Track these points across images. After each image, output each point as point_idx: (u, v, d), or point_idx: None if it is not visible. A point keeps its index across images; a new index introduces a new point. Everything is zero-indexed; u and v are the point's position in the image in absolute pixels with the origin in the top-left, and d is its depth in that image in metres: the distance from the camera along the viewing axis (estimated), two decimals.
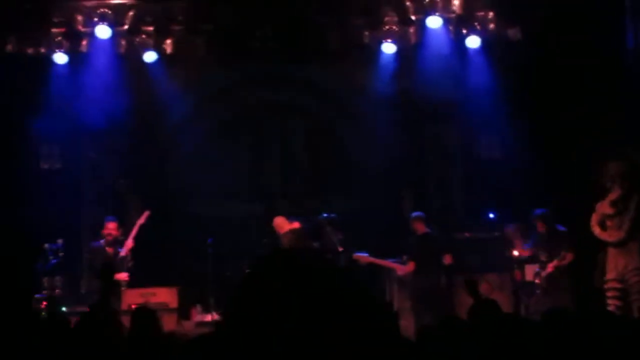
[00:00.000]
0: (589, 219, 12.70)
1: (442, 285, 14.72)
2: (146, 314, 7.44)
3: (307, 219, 15.42)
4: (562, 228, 13.96)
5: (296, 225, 14.69)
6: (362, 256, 14.60)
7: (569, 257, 13.78)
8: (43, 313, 12.80)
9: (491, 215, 14.89)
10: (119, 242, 14.16)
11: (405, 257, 14.88)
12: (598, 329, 5.15)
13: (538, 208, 14.31)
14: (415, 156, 17.49)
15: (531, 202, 14.76)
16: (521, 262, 14.28)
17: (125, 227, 16.17)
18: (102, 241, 14.05)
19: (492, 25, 15.51)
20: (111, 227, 13.99)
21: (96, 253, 14.17)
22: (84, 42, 15.65)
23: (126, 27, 15.59)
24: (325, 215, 15.03)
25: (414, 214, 15.06)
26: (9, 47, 15.21)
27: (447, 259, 14.61)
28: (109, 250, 14.04)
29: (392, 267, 15.06)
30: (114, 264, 12.71)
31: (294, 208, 16.57)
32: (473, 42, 15.64)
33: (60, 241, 13.27)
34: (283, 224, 14.72)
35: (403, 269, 14.80)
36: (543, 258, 13.88)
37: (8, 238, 15.08)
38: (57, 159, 16.78)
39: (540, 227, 14.02)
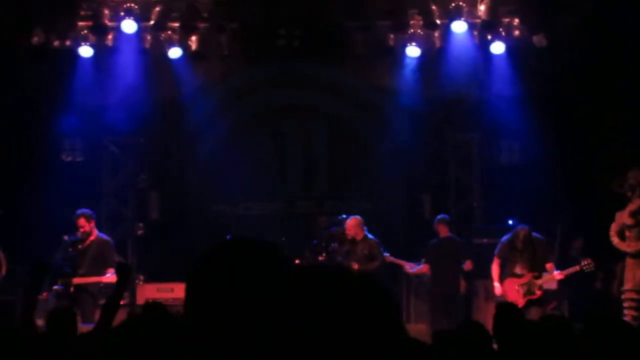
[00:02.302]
0: (608, 227, 12.68)
1: (461, 291, 14.70)
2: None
3: (329, 219, 15.44)
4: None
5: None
6: (384, 256, 14.58)
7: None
8: None
9: (510, 222, 14.86)
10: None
11: (423, 260, 14.88)
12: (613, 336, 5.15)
13: (557, 215, 14.25)
14: (436, 160, 17.49)
15: (551, 209, 14.74)
16: None
17: (144, 224, 16.25)
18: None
19: (517, 32, 15.48)
20: (81, 222, 13.43)
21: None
22: (110, 36, 15.69)
23: (152, 22, 15.62)
24: (344, 216, 15.04)
25: (439, 216, 15.03)
26: (35, 39, 15.26)
27: (468, 265, 14.59)
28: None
29: (408, 268, 15.05)
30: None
31: (313, 209, 16.61)
32: (497, 48, 15.62)
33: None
34: (359, 231, 14.36)
35: (416, 269, 14.79)
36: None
37: (28, 229, 15.16)
38: (79, 152, 16.85)
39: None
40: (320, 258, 14.40)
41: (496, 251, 13.77)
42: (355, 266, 13.68)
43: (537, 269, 13.39)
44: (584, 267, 13.32)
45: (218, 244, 2.38)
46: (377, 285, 2.07)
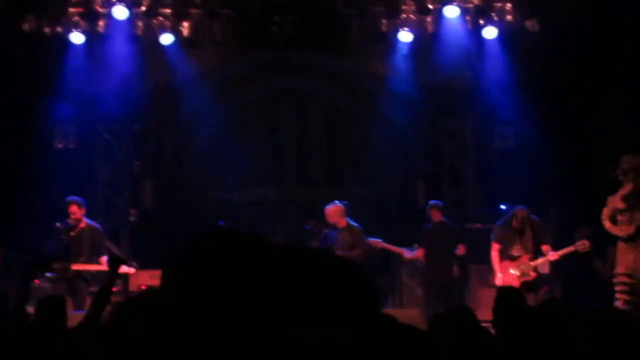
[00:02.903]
0: (601, 212, 12.68)
1: (455, 276, 14.72)
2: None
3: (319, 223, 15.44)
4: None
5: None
6: (376, 241, 14.56)
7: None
8: None
9: (503, 207, 14.88)
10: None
11: (416, 245, 14.87)
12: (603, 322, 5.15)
13: (551, 200, 14.25)
14: (430, 146, 17.50)
15: (544, 194, 14.75)
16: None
17: (138, 210, 16.22)
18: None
19: (509, 17, 15.47)
20: (73, 209, 13.35)
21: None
22: (101, 23, 15.64)
23: (143, 8, 15.58)
24: (337, 202, 15.02)
25: (432, 202, 15.02)
26: (26, 26, 15.22)
27: (461, 250, 14.60)
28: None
29: (402, 253, 15.04)
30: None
31: (310, 195, 16.61)
32: (490, 32, 15.61)
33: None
34: (340, 219, 14.13)
35: (410, 254, 14.78)
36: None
37: (21, 217, 15.14)
38: (71, 139, 16.81)
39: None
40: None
41: (493, 236, 13.71)
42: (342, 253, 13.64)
43: (534, 251, 13.40)
44: (579, 248, 13.30)
45: (198, 236, 2.37)
46: (356, 270, 2.05)
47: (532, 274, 13.33)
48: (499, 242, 13.62)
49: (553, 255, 13.44)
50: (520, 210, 13.44)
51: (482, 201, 16.63)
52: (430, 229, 14.65)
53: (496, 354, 5.69)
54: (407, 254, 14.82)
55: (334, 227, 14.01)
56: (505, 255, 13.53)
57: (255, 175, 17.70)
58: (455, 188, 17.19)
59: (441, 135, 17.45)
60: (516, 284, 13.11)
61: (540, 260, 13.43)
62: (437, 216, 14.70)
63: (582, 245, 13.27)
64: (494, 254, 13.64)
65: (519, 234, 13.41)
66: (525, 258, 13.36)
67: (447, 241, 14.55)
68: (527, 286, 13.10)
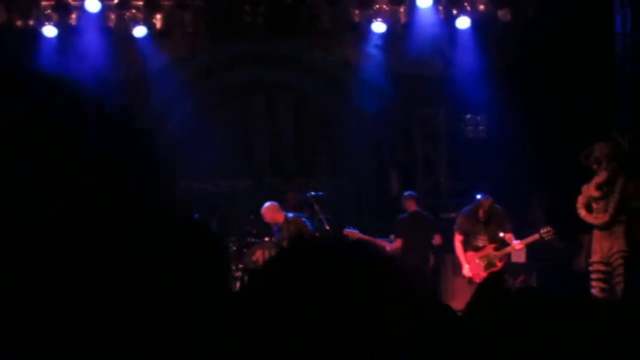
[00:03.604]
0: (575, 200, 12.73)
1: (431, 265, 14.75)
2: None
3: (297, 195, 15.46)
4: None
5: (297, 217, 14.36)
6: (352, 232, 14.58)
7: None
8: None
9: (478, 196, 14.92)
10: None
11: (393, 236, 14.89)
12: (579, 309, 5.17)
13: (525, 189, 14.30)
14: (402, 135, 17.53)
15: (517, 183, 14.81)
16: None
17: None
18: None
19: (482, 6, 15.52)
20: None
21: None
22: (74, 16, 15.58)
23: (116, 1, 15.53)
24: (312, 193, 15.04)
25: (407, 192, 15.04)
26: None
27: (437, 239, 14.62)
28: None
29: (387, 246, 15.06)
30: None
31: (282, 185, 16.62)
32: (463, 22, 15.65)
33: None
34: (276, 215, 14.31)
35: (391, 246, 14.80)
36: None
37: None
38: None
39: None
40: (266, 239, 14.46)
41: (456, 226, 13.78)
42: None
43: (497, 240, 13.48)
44: (543, 235, 13.37)
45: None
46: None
47: (499, 264, 13.40)
48: (462, 232, 13.68)
49: (519, 244, 13.53)
50: (486, 200, 13.50)
51: (455, 190, 16.68)
52: (406, 219, 14.66)
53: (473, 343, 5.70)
54: (388, 246, 14.82)
55: (276, 225, 14.11)
56: (469, 246, 13.59)
57: (228, 165, 17.68)
58: (428, 177, 17.22)
59: (413, 124, 17.49)
60: (482, 275, 13.20)
61: (505, 250, 13.50)
62: (412, 206, 14.72)
63: (547, 232, 13.36)
64: (458, 245, 13.70)
65: (484, 223, 13.47)
66: (489, 248, 13.42)
67: (423, 231, 14.57)
68: (495, 275, 13.15)
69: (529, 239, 13.49)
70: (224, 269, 2.17)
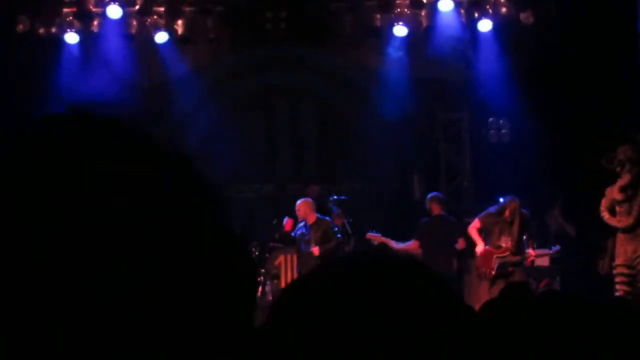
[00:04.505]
0: (599, 204, 12.67)
1: (454, 270, 14.63)
2: None
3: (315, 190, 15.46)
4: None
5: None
6: (375, 236, 14.52)
7: None
8: None
9: (501, 200, 14.84)
10: None
11: (413, 239, 14.82)
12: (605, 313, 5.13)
13: (549, 193, 14.24)
14: (425, 140, 17.49)
15: (541, 187, 14.75)
16: None
17: None
18: None
19: (504, 9, 15.47)
20: None
21: None
22: (95, 22, 15.64)
23: (137, 7, 15.57)
24: (335, 197, 15.02)
25: (431, 194, 14.90)
26: (20, 27, 15.20)
27: (461, 244, 14.46)
28: None
29: (404, 250, 14.98)
30: None
31: (304, 191, 16.60)
32: (485, 25, 15.61)
33: None
34: (309, 213, 14.18)
35: (405, 245, 14.70)
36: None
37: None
38: None
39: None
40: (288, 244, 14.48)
41: (480, 215, 13.74)
42: (316, 249, 13.69)
43: (518, 244, 13.43)
44: (554, 255, 13.53)
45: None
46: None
47: (510, 268, 13.36)
48: (481, 223, 13.61)
49: (532, 253, 13.56)
50: (514, 201, 13.43)
51: (478, 194, 16.61)
52: (429, 223, 14.56)
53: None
54: (395, 244, 14.69)
55: (303, 221, 14.10)
56: (491, 243, 13.52)
57: (250, 170, 17.69)
58: (451, 182, 17.17)
59: (436, 129, 17.45)
60: (494, 272, 13.22)
61: (519, 257, 13.45)
62: (436, 209, 14.58)
63: (557, 253, 13.41)
64: (473, 230, 13.65)
65: (510, 224, 13.41)
66: (508, 250, 13.38)
67: (446, 235, 14.44)
68: (499, 276, 13.18)
69: (542, 252, 13.55)
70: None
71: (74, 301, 1.42)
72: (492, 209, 13.71)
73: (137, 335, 1.47)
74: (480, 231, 13.65)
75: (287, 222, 14.36)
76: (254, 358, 1.83)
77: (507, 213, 13.36)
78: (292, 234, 14.33)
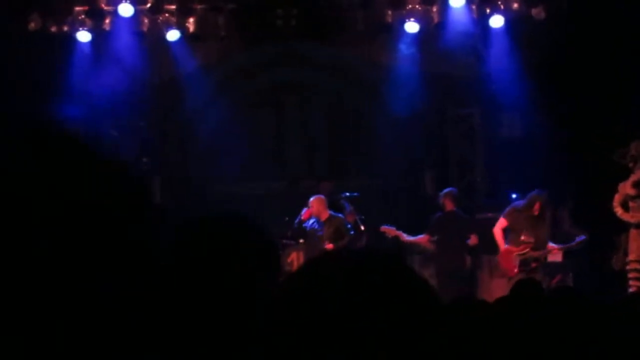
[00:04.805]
0: (611, 199, 12.65)
1: (467, 266, 14.61)
2: None
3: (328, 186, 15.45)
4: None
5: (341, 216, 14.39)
6: (390, 229, 14.53)
7: None
8: None
9: (513, 196, 14.82)
10: None
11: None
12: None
13: (559, 188, 14.20)
14: (437, 135, 17.47)
15: (553, 182, 14.72)
16: None
17: None
18: None
19: (515, 5, 15.44)
20: None
21: None
22: (107, 21, 15.66)
23: (148, 5, 15.59)
24: (347, 194, 15.02)
25: (445, 190, 14.86)
26: (32, 25, 15.23)
27: (473, 240, 14.42)
28: None
29: (415, 243, 14.97)
30: None
31: (316, 187, 16.60)
32: (496, 21, 15.58)
33: None
34: (322, 210, 14.29)
35: (415, 238, 14.68)
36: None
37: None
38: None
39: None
40: (300, 240, 14.45)
41: (504, 214, 13.61)
42: (329, 246, 13.73)
43: (540, 240, 13.32)
44: (578, 245, 13.37)
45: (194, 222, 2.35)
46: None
47: (533, 264, 13.28)
48: (508, 220, 13.49)
49: (554, 249, 13.44)
50: (542, 195, 13.29)
51: (491, 190, 16.60)
52: (442, 218, 14.54)
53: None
54: (406, 237, 14.69)
55: (316, 218, 14.12)
56: (511, 241, 13.42)
57: (261, 167, 17.70)
58: (463, 177, 17.14)
59: (448, 125, 17.43)
60: (516, 270, 13.13)
61: (543, 252, 13.36)
62: (449, 205, 14.55)
63: (581, 243, 13.30)
64: (498, 229, 13.56)
65: (536, 219, 13.28)
66: (528, 247, 13.29)
67: (458, 231, 14.42)
68: (523, 273, 13.07)
69: (565, 246, 13.43)
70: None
71: (73, 296, 1.45)
72: (518, 203, 13.59)
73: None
74: (506, 230, 13.55)
75: (305, 212, 14.36)
76: (257, 352, 1.86)
77: (536, 207, 13.20)
78: (304, 225, 14.35)
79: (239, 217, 2.38)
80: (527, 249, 13.26)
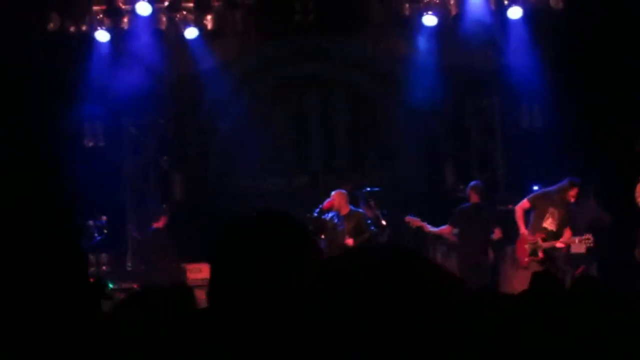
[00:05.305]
0: (633, 191, 12.60)
1: (490, 259, 14.57)
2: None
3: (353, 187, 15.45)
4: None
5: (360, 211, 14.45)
6: (414, 219, 14.58)
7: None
8: None
9: (535, 187, 14.77)
10: None
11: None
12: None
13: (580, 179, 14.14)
14: (457, 127, 17.44)
15: (574, 173, 14.67)
16: None
17: (168, 205, 16.26)
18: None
19: None
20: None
21: None
22: (125, 19, 15.70)
23: (166, 3, 15.62)
24: (368, 189, 15.02)
25: (472, 182, 14.87)
26: (51, 25, 15.29)
27: (497, 234, 14.39)
28: None
29: (438, 234, 14.98)
30: None
31: (336, 182, 16.59)
32: (515, 12, 15.53)
33: (104, 218, 13.36)
34: (343, 204, 14.37)
35: (438, 229, 14.71)
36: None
37: (53, 215, 15.18)
38: (100, 137, 16.87)
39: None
40: (322, 235, 14.45)
41: (530, 196, 13.59)
42: (350, 241, 13.78)
43: (562, 230, 13.25)
44: (584, 242, 13.24)
45: (237, 221, 2.39)
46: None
47: (541, 255, 13.22)
48: (531, 203, 13.44)
49: (559, 243, 13.35)
50: (578, 183, 13.21)
51: (511, 182, 16.56)
52: (465, 210, 14.53)
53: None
54: (429, 227, 14.73)
55: (336, 212, 14.16)
56: (534, 224, 13.36)
57: (282, 162, 17.71)
58: (484, 169, 17.10)
59: (468, 116, 17.39)
60: (527, 259, 13.12)
61: (552, 243, 13.27)
62: (474, 197, 14.56)
63: (587, 240, 13.17)
64: (520, 211, 13.52)
65: (565, 207, 13.20)
66: (537, 237, 13.23)
67: (482, 224, 14.39)
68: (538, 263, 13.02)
69: (569, 240, 13.35)
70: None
71: None
72: (551, 188, 13.51)
73: None
74: (528, 211, 13.51)
75: (326, 203, 14.39)
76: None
77: (572, 193, 13.11)
78: (324, 216, 14.37)
79: (282, 214, 2.42)
80: (538, 239, 13.22)
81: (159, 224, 14.94)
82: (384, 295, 1.82)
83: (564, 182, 13.24)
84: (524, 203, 13.49)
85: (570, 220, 13.21)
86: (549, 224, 13.22)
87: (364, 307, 1.80)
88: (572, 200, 13.07)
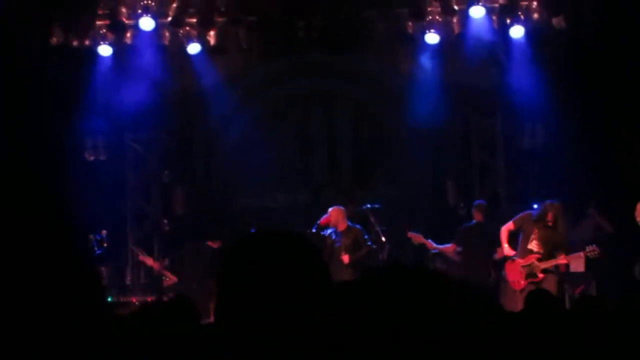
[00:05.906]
0: (633, 209, 12.59)
1: (491, 278, 14.53)
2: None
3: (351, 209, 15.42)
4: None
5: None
6: (417, 236, 14.59)
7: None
8: None
9: (535, 206, 14.78)
10: None
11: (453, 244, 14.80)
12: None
13: (583, 197, 14.14)
14: (459, 145, 17.46)
15: (575, 192, 14.69)
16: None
17: (169, 218, 16.25)
18: None
19: (536, 15, 15.41)
20: None
21: None
22: (128, 34, 15.74)
23: (169, 18, 15.65)
24: (369, 205, 15.01)
25: (476, 202, 14.94)
26: (54, 40, 15.31)
27: (500, 253, 14.33)
28: None
29: (440, 251, 14.97)
30: None
31: (339, 199, 16.60)
32: (517, 31, 15.55)
33: (104, 232, 13.37)
34: (341, 220, 14.35)
35: (442, 247, 14.71)
36: None
37: (54, 229, 15.17)
38: (101, 151, 16.90)
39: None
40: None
41: (515, 218, 13.58)
42: (346, 257, 13.76)
43: (550, 250, 13.20)
44: (589, 254, 13.18)
45: (243, 239, 2.41)
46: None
47: (540, 275, 13.16)
48: (515, 225, 13.43)
49: (563, 259, 13.29)
50: (557, 205, 13.21)
51: (513, 200, 16.55)
52: (469, 229, 14.55)
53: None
54: (432, 244, 14.72)
55: (334, 228, 14.13)
56: (521, 247, 13.33)
57: (285, 179, 17.71)
58: (485, 187, 17.13)
59: (470, 135, 17.42)
60: (522, 284, 13.07)
61: (550, 262, 13.21)
62: (478, 216, 14.59)
63: (592, 252, 13.12)
64: (504, 231, 13.51)
65: (547, 229, 13.20)
66: (532, 258, 13.18)
67: (484, 243, 14.38)
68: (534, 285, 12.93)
69: (574, 255, 13.30)
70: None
71: None
72: (533, 211, 13.54)
73: None
74: (513, 233, 13.51)
75: (323, 218, 14.38)
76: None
77: (549, 217, 13.13)
78: (323, 232, 14.34)
79: (296, 234, 2.45)
80: (532, 260, 13.17)
81: (215, 244, 14.85)
82: (397, 313, 1.85)
83: (544, 204, 13.26)
84: (510, 225, 13.50)
85: (553, 242, 13.15)
86: (533, 245, 13.19)
87: (371, 324, 1.83)
88: (550, 224, 13.04)
